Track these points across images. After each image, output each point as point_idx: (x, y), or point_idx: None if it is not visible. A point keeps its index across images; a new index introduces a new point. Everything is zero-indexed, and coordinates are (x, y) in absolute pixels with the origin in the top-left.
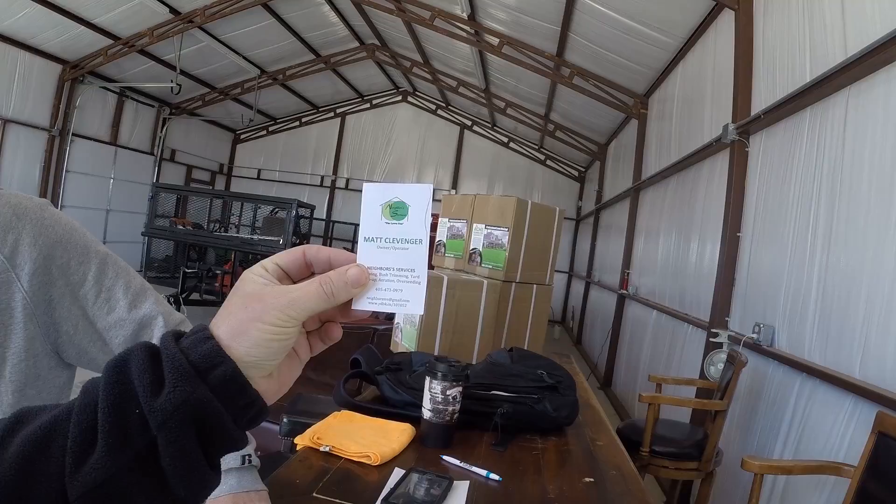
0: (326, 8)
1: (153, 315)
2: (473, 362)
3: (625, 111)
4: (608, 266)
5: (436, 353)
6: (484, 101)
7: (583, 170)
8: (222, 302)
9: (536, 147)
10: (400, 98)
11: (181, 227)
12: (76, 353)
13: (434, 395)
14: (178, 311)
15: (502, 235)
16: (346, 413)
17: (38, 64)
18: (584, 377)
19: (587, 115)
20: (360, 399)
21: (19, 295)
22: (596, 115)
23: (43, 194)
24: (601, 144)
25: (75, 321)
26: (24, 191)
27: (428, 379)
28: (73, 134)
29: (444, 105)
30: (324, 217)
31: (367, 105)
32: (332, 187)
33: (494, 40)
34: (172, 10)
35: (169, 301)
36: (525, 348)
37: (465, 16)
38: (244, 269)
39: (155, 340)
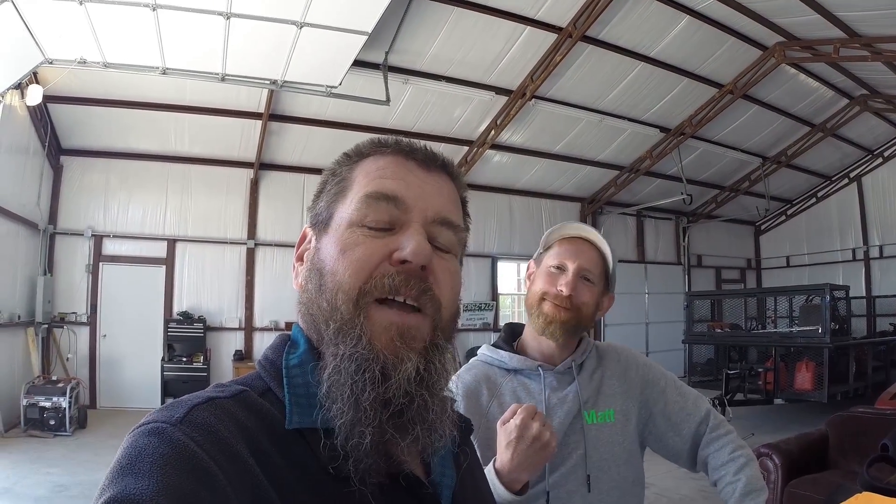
0: (802, 77)
1: (707, 412)
2: None
3: None
4: None
5: None
6: None
7: None
8: (767, 401)
9: None
10: None
11: (719, 331)
12: (654, 442)
13: None
14: (724, 413)
15: None
16: (866, 495)
17: (559, 206)
18: None
19: None
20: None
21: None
22: None
23: None
24: None
25: (657, 419)
26: None
27: None
28: None
29: None
30: (862, 294)
31: (880, 159)
32: (866, 259)
33: None
34: (662, 130)
35: (713, 404)
36: None
37: None
38: (786, 364)
39: (709, 432)
